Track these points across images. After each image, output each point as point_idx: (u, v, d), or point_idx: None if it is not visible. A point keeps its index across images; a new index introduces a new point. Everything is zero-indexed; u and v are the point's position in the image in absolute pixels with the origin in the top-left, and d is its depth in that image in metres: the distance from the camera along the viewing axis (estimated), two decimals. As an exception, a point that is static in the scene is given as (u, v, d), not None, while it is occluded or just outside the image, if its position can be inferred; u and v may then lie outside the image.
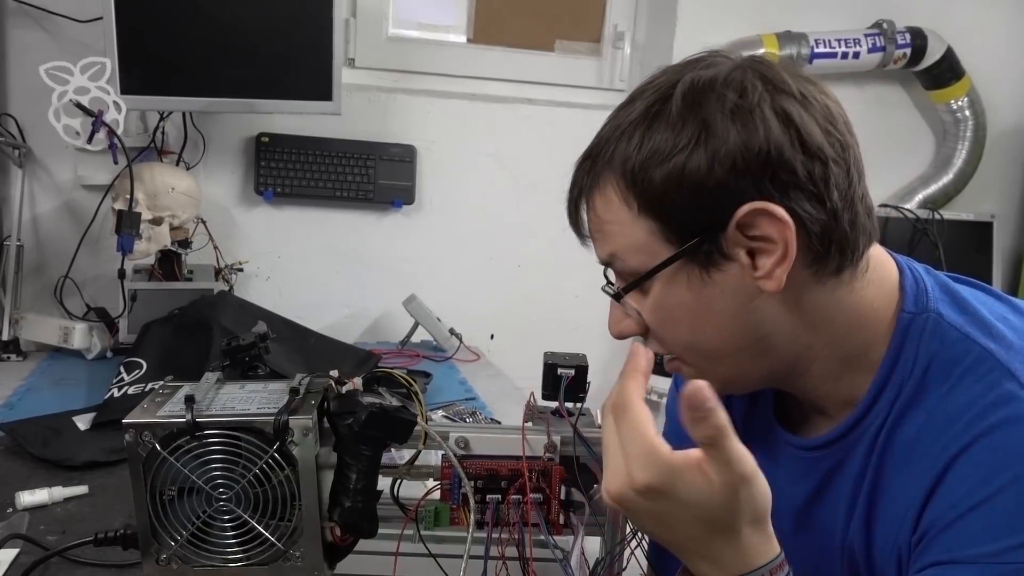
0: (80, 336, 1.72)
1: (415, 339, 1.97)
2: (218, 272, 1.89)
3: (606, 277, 0.78)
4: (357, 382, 0.73)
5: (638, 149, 0.67)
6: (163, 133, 1.88)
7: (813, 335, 0.71)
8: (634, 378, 0.62)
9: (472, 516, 0.77)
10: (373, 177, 2.05)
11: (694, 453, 0.57)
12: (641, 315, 0.72)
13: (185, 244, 1.83)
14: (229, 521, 0.68)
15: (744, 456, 0.57)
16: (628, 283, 0.71)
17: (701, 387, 0.55)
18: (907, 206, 2.42)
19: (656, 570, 0.90)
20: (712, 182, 0.65)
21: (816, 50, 2.19)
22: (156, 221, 1.73)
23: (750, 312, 0.69)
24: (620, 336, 0.75)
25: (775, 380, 0.76)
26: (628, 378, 0.62)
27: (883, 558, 0.70)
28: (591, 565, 0.82)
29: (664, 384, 2.43)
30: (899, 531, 0.67)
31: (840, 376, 0.73)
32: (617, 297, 0.73)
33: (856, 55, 2.24)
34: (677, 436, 0.98)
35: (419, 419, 0.74)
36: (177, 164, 1.90)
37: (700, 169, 0.65)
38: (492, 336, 2.20)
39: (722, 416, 0.56)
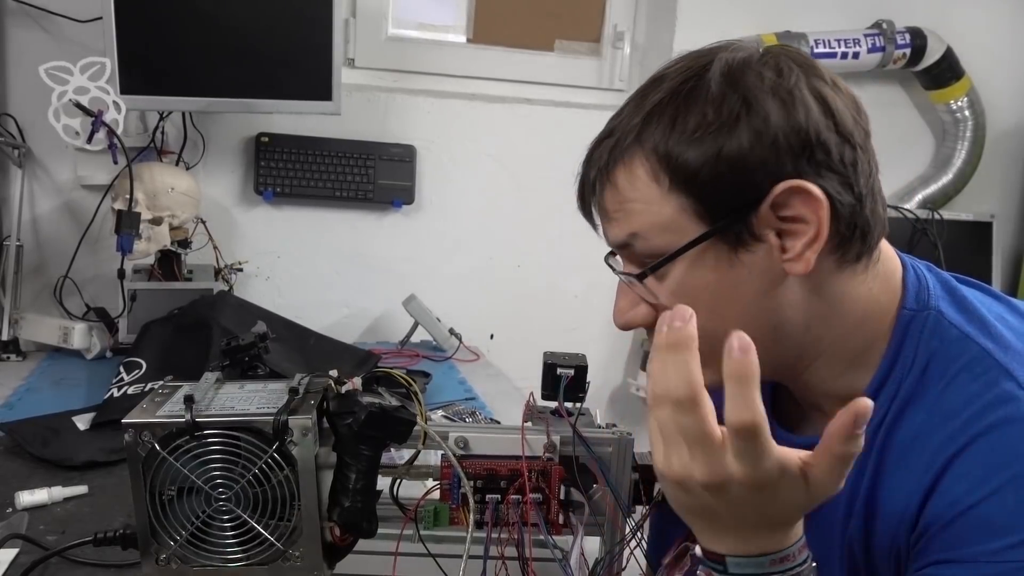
0: (80, 336, 1.72)
1: (415, 339, 1.97)
2: (218, 272, 1.89)
3: (610, 266, 0.77)
4: (356, 382, 0.72)
5: (671, 126, 0.66)
6: (163, 133, 1.88)
7: (825, 327, 0.71)
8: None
9: (471, 516, 0.77)
10: (373, 177, 2.05)
11: (799, 455, 0.56)
12: (657, 301, 0.70)
13: (185, 244, 1.83)
14: (228, 521, 0.68)
15: (845, 478, 0.56)
16: (655, 262, 0.69)
17: (871, 407, 0.54)
18: (907, 206, 2.42)
19: (655, 570, 0.90)
20: (752, 158, 0.64)
21: (816, 50, 2.19)
22: (156, 221, 1.73)
23: (771, 298, 0.68)
24: (627, 326, 0.73)
25: (777, 374, 0.76)
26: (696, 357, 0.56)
27: (881, 556, 0.70)
28: (590, 565, 0.82)
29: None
30: (898, 530, 0.67)
31: (841, 373, 0.73)
32: (641, 277, 0.70)
33: (856, 55, 2.24)
34: None
35: (418, 419, 0.74)
36: (177, 164, 1.90)
37: (741, 145, 0.64)
38: (492, 336, 2.20)
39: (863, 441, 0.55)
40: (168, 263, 1.83)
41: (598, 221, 0.74)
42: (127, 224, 1.63)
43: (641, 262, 0.70)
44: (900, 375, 0.70)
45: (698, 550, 0.61)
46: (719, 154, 0.65)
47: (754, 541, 0.58)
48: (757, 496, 0.56)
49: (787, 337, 0.71)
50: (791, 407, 0.81)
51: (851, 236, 0.68)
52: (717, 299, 0.68)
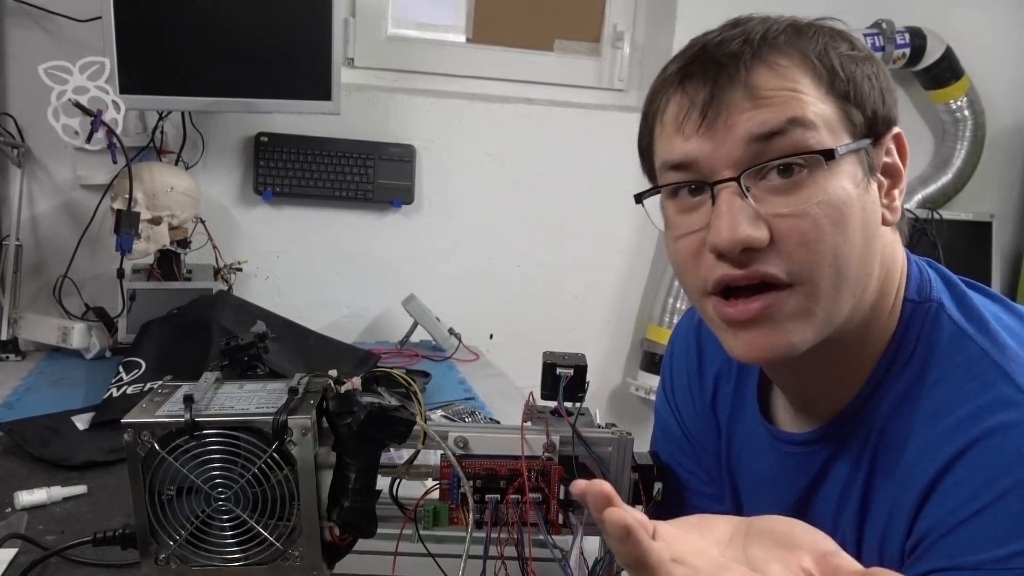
0: (79, 336, 1.72)
1: (414, 339, 1.97)
2: (217, 272, 1.89)
3: (699, 181, 0.67)
4: (356, 382, 0.72)
5: (826, 42, 0.68)
6: (162, 133, 1.88)
7: (872, 292, 0.69)
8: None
9: (471, 516, 0.77)
10: (372, 177, 2.05)
11: None
12: (797, 208, 0.64)
13: (184, 244, 1.83)
14: (228, 521, 0.68)
15: None
16: (845, 144, 0.64)
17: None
18: (906, 206, 2.41)
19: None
20: (890, 94, 0.68)
21: (815, 50, 2.19)
22: (155, 221, 1.73)
23: (877, 238, 0.68)
24: (748, 242, 0.63)
25: (834, 328, 0.68)
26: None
27: (871, 555, 0.68)
28: (590, 565, 0.82)
29: (653, 381, 2.42)
30: (889, 529, 0.67)
31: (840, 367, 0.71)
32: (829, 156, 0.63)
33: (855, 55, 2.24)
34: (665, 437, 0.97)
35: (418, 419, 0.74)
36: (176, 164, 1.90)
37: (888, 78, 0.69)
38: (491, 336, 2.20)
39: None
40: (167, 263, 1.83)
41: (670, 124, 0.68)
42: (126, 224, 1.63)
43: (786, 156, 0.64)
44: (897, 373, 0.69)
45: None
46: (873, 78, 0.67)
47: None
48: None
49: (866, 294, 0.68)
50: (780, 406, 0.80)
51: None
52: (852, 217, 0.65)
